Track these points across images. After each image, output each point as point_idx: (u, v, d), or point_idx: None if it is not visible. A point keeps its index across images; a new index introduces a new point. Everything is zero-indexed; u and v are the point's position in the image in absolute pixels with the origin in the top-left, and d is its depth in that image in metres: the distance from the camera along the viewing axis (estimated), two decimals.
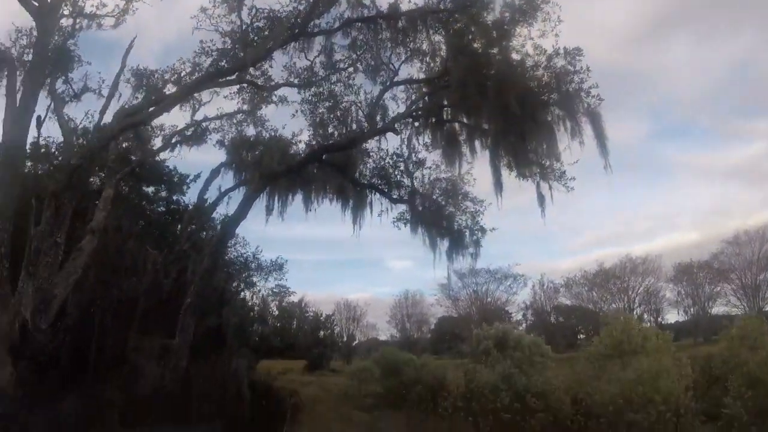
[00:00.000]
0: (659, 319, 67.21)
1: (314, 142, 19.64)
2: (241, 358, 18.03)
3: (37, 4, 13.70)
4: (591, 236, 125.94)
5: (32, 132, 12.75)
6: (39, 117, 12.84)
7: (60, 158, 16.81)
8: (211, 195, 21.97)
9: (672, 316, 71.64)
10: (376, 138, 18.83)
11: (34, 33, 15.17)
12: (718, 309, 67.81)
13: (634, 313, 61.70)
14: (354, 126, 19.11)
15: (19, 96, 12.16)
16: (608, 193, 58.40)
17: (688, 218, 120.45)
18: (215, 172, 21.74)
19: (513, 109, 14.78)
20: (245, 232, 19.22)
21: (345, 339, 67.44)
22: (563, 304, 69.11)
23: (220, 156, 21.86)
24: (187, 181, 24.48)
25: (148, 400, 12.41)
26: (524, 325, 71.99)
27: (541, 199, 17.03)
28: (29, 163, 16.61)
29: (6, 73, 13.77)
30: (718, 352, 15.22)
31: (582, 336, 71.82)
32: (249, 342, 24.90)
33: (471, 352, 27.93)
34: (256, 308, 28.18)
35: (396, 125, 18.14)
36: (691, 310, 67.95)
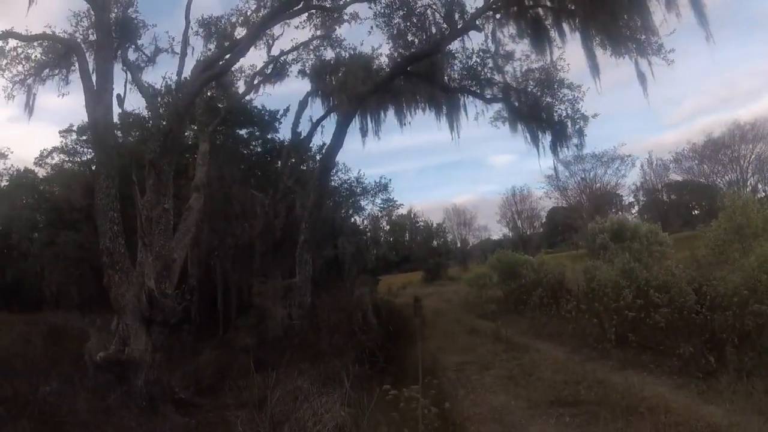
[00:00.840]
0: None
1: (396, 55, 18.83)
2: (362, 286, 18.39)
3: None
4: (693, 104, 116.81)
5: (116, 109, 12.91)
6: (119, 95, 13.00)
7: (150, 124, 17.25)
8: (303, 127, 22.11)
9: None
10: (459, 39, 17.78)
11: (92, 13, 15.29)
12: None
13: (748, 183, 57.93)
14: (434, 30, 18.00)
15: (94, 78, 12.34)
16: (706, 54, 53.39)
17: None
18: (303, 104, 21.73)
19: None
20: (344, 155, 19.51)
21: (458, 245, 68.41)
22: (674, 180, 65.87)
23: (304, 85, 21.75)
24: (278, 117, 24.74)
25: (279, 340, 12.92)
26: (636, 207, 70.00)
27: (641, 77, 15.49)
28: (121, 135, 17.13)
29: (76, 58, 14.00)
30: None
31: (696, 212, 69.25)
32: (367, 266, 25.42)
33: (588, 247, 27.31)
34: (368, 231, 28.46)
35: (477, 21, 16.94)
36: None
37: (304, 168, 23.67)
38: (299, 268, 16.07)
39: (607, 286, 14.06)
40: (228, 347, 13.72)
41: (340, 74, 20.47)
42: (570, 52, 17.28)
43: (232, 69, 19.08)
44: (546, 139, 18.85)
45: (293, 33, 21.13)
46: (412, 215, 66.12)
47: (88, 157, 27.47)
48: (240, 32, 18.47)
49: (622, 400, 8.30)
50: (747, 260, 11.33)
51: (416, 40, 18.30)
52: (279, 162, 23.13)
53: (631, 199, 69.27)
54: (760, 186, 59.75)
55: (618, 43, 15.22)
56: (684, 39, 14.62)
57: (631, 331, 12.03)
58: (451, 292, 35.27)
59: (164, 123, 13.93)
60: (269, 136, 24.96)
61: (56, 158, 31.23)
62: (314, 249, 17.22)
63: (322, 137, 22.90)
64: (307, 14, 18.60)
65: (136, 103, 19.04)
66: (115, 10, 15.54)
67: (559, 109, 18.77)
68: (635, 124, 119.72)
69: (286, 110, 24.40)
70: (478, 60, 18.64)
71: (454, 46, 18.31)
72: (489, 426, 8.14)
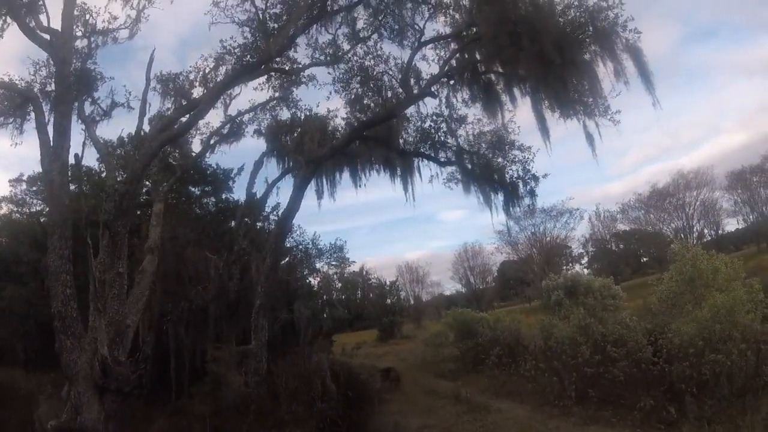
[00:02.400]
0: (719, 231, 66.16)
1: (352, 119, 19.13)
2: (319, 350, 18.06)
3: (48, 37, 13.50)
4: (637, 154, 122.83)
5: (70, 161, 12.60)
6: (77, 154, 12.77)
7: (104, 181, 16.85)
8: (258, 187, 21.99)
9: (731, 226, 70.31)
10: (414, 104, 18.25)
11: (51, 63, 15.09)
12: None
13: (695, 229, 60.74)
14: (389, 94, 18.55)
15: (50, 129, 12.09)
16: (648, 107, 56.17)
17: (732, 120, 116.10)
18: (258, 164, 21.70)
19: (550, 55, 13.97)
20: (298, 213, 19.49)
21: (412, 302, 68.31)
22: (622, 230, 68.54)
23: (257, 144, 21.81)
24: (232, 176, 24.60)
25: (236, 408, 12.48)
26: (586, 258, 71.98)
27: (590, 138, 15.95)
28: (73, 190, 16.70)
29: (32, 109, 13.72)
30: None
31: (645, 259, 71.80)
32: (322, 328, 25.04)
33: (542, 303, 27.64)
34: (322, 292, 28.20)
35: (432, 88, 17.49)
36: (750, 216, 66.66)
37: (259, 227, 23.45)
38: (255, 333, 15.69)
39: (564, 343, 14.37)
40: (182, 415, 13.16)
41: (295, 134, 20.64)
42: (519, 113, 17.79)
43: None
44: (498, 199, 19.12)
45: (250, 93, 21.43)
46: (365, 272, 66.06)
47: (38, 208, 26.59)
48: (198, 91, 18.52)
49: None
50: (700, 311, 11.67)
51: (372, 104, 18.76)
52: (233, 222, 22.90)
53: (581, 250, 71.17)
54: (705, 231, 62.47)
55: (566, 106, 15.77)
56: (626, 93, 15.35)
57: (590, 386, 12.26)
58: (406, 351, 34.96)
59: (119, 183, 13.66)
60: (223, 196, 24.80)
61: (4, 208, 29.83)
62: (269, 313, 16.88)
63: (278, 197, 22.85)
64: (266, 77, 18.79)
65: (89, 156, 18.78)
66: (74, 62, 15.32)
67: (510, 170, 19.17)
68: (581, 176, 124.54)
69: (240, 169, 24.39)
70: (432, 124, 19.09)
71: (410, 110, 18.80)
72: None
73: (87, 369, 9.53)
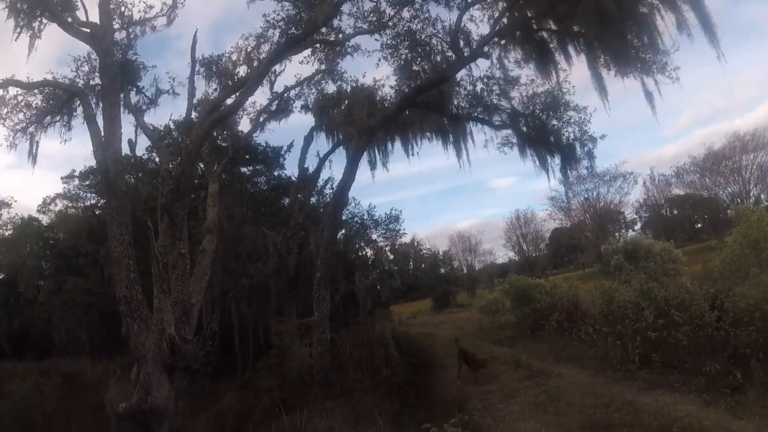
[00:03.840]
0: None
1: (403, 86, 18.89)
2: (381, 320, 18.16)
3: (88, 30, 13.72)
4: (692, 115, 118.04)
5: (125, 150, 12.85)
6: (130, 140, 12.94)
7: (159, 167, 17.18)
8: (309, 162, 22.11)
9: None
10: (466, 67, 17.82)
11: (92, 57, 15.31)
12: None
13: (751, 194, 58.16)
14: (439, 58, 18.15)
15: (99, 121, 12.31)
16: (702, 65, 53.97)
17: None
18: (309, 139, 21.77)
19: (608, 8, 13.33)
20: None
21: (465, 271, 68.23)
22: (676, 195, 66.26)
23: (304, 119, 21.85)
24: (282, 153, 24.76)
25: (301, 379, 12.68)
26: (639, 224, 70.19)
27: (649, 96, 15.40)
28: (131, 180, 17.09)
29: (78, 104, 13.95)
30: None
31: (699, 225, 69.59)
32: (381, 299, 25.22)
33: (601, 268, 27.15)
34: (386, 266, 28.31)
35: (483, 49, 16.99)
36: None
37: (314, 202, 23.64)
38: (317, 305, 15.85)
39: (626, 308, 13.98)
40: (249, 389, 13.47)
41: (343, 107, 20.60)
42: (573, 72, 17.28)
43: None
44: (555, 162, 18.77)
45: (295, 68, 21.27)
46: (416, 243, 66.19)
47: (92, 202, 27.48)
48: (242, 70, 18.58)
49: (654, 421, 8.34)
50: (766, 275, 11.23)
51: (422, 69, 18.43)
52: (287, 198, 23.11)
53: (634, 215, 69.49)
54: (762, 196, 60.00)
55: (624, 62, 15.18)
56: (681, 49, 14.64)
57: (653, 351, 11.97)
58: (462, 320, 34.93)
59: (174, 166, 13.88)
60: (275, 173, 25.06)
61: (59, 204, 31.27)
62: (330, 285, 17.02)
63: (330, 171, 22.94)
64: (311, 49, 18.68)
65: (140, 145, 19.13)
66: (115, 53, 15.54)
67: (566, 131, 18.75)
68: (634, 139, 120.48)
69: (290, 146, 24.56)
70: (485, 87, 18.73)
71: (461, 74, 18.36)
72: None
73: (155, 349, 9.79)
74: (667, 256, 22.00)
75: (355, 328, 15.77)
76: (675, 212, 69.02)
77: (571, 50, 16.04)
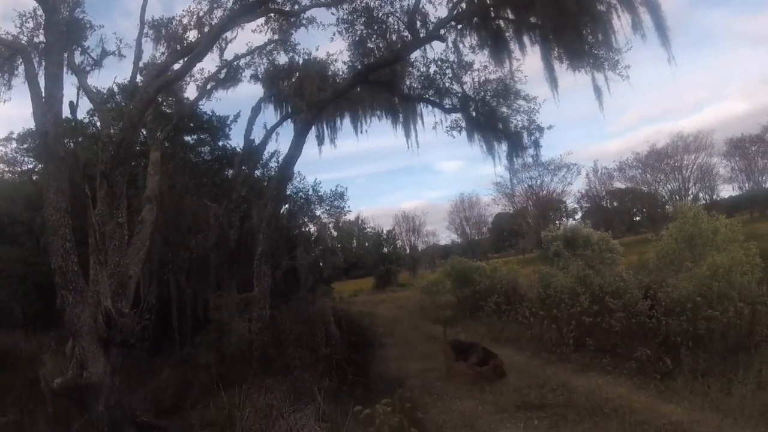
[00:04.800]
0: (714, 196, 67.05)
1: (356, 62, 18.58)
2: (321, 296, 18.13)
3: None
4: (639, 113, 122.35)
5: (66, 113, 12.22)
6: (72, 102, 12.28)
7: (99, 131, 16.56)
8: (256, 134, 21.67)
9: (726, 192, 71.11)
10: (420, 48, 17.67)
11: (39, 13, 14.53)
12: None
13: (690, 192, 61.45)
14: (395, 37, 17.91)
15: (41, 81, 11.70)
16: (652, 66, 55.95)
17: (736, 87, 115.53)
18: (256, 110, 21.29)
19: (566, 3, 13.49)
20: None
21: (408, 251, 68.79)
22: (618, 188, 68.92)
23: (252, 89, 21.38)
24: (228, 123, 24.11)
25: (240, 355, 12.55)
26: (579, 213, 72.58)
27: (598, 91, 15.70)
28: (71, 145, 16.38)
29: (20, 62, 13.24)
30: None
31: (638, 218, 72.90)
32: (323, 275, 25.13)
33: (541, 254, 27.93)
34: (329, 243, 28.15)
35: (440, 31, 16.84)
36: (746, 185, 67.47)
37: (258, 175, 23.24)
38: (257, 280, 15.63)
39: (563, 293, 14.56)
40: (187, 364, 13.20)
41: (294, 79, 20.20)
42: (526, 62, 17.41)
43: None
44: (502, 148, 18.87)
45: (247, 36, 20.68)
46: (360, 221, 66.36)
47: (30, 166, 26.23)
48: (192, 35, 17.86)
49: (586, 401, 8.69)
50: (699, 269, 11.79)
51: (377, 47, 18.17)
52: (231, 170, 22.64)
53: (575, 205, 71.76)
54: (700, 194, 63.36)
55: (577, 57, 15.41)
56: (632, 49, 15.03)
57: (588, 335, 12.50)
58: (403, 299, 35.48)
59: (115, 131, 13.36)
60: (220, 143, 24.35)
61: None
62: (271, 260, 16.82)
63: (277, 144, 22.50)
64: (264, 18, 18.18)
65: (81, 108, 18.24)
66: (62, 11, 14.76)
67: (515, 119, 18.88)
68: (580, 132, 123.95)
69: (237, 116, 23.86)
70: (438, 69, 18.58)
71: (415, 55, 18.25)
72: None
73: (91, 323, 9.41)
74: (604, 246, 22.89)
75: (296, 305, 15.72)
76: (615, 204, 71.83)
77: (526, 40, 16.15)
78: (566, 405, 8.72)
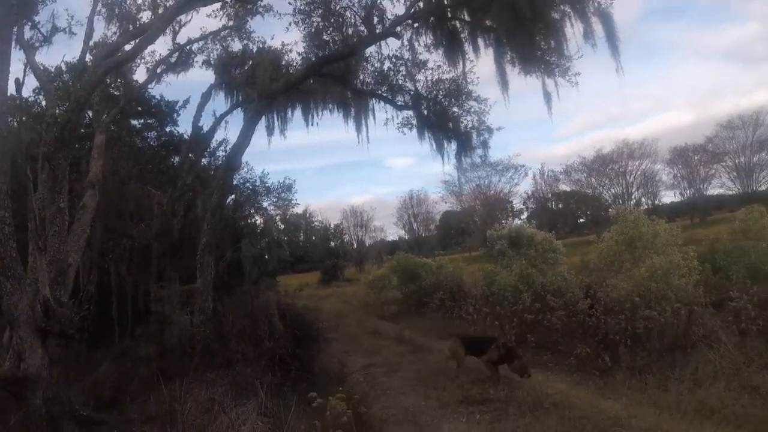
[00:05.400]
0: (656, 201, 70.58)
1: (310, 54, 18.42)
2: (266, 290, 17.90)
3: None
4: (586, 119, 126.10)
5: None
6: (17, 80, 11.78)
7: (45, 111, 15.87)
8: (205, 121, 21.01)
9: (668, 198, 74.73)
10: (376, 44, 17.80)
11: None
12: (712, 190, 71.70)
13: (633, 196, 64.38)
14: (351, 32, 17.90)
15: None
16: (602, 74, 57.86)
17: (682, 99, 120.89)
18: (206, 96, 20.63)
19: (522, 8, 13.75)
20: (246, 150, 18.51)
21: (355, 246, 68.82)
22: (563, 190, 71.08)
23: (204, 75, 20.82)
24: (177, 108, 23.39)
25: (181, 348, 12.26)
26: (525, 214, 74.37)
27: (547, 96, 16.22)
28: (14, 124, 15.65)
29: None
30: (720, 245, 15.53)
31: (582, 220, 75.48)
32: (268, 268, 24.83)
33: (486, 252, 28.41)
34: (269, 232, 27.79)
35: (396, 28, 16.98)
36: (687, 191, 71.01)
37: (205, 163, 22.69)
38: (200, 271, 15.31)
39: (506, 291, 14.88)
40: (127, 357, 12.75)
41: (246, 67, 19.79)
42: (479, 64, 17.57)
43: None
44: (451, 147, 19.17)
45: (202, 20, 20.10)
46: (308, 214, 65.97)
47: None
48: (146, 16, 17.36)
49: (527, 396, 8.93)
50: (638, 271, 12.18)
51: (332, 40, 18.10)
52: (177, 157, 22.02)
53: (522, 205, 73.43)
54: (643, 199, 66.28)
55: (529, 62, 15.77)
56: (583, 57, 15.51)
57: (529, 332, 12.85)
58: (349, 294, 35.50)
59: (61, 112, 12.84)
60: (167, 129, 23.54)
61: None
62: (215, 251, 16.52)
63: (225, 132, 22.07)
64: (220, 3, 17.83)
65: (27, 86, 17.36)
66: None
67: (465, 119, 19.15)
68: (529, 134, 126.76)
69: (186, 101, 23.07)
70: (392, 66, 18.71)
71: (370, 50, 18.29)
72: (405, 427, 8.30)
73: (29, 312, 9.00)
74: (547, 246, 23.48)
75: (240, 298, 15.46)
76: (560, 206, 73.93)
77: (481, 43, 16.37)
78: (508, 400, 8.90)
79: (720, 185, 71.50)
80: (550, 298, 12.78)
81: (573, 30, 15.01)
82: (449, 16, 16.60)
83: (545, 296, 13.12)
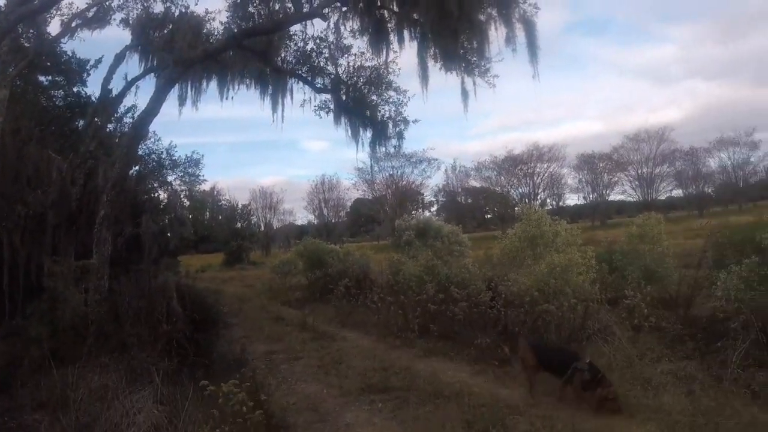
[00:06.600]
0: (560, 203, 75.48)
1: (233, 25, 17.85)
2: (165, 269, 17.17)
3: None
4: (501, 120, 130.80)
5: None
6: None
7: None
8: (115, 84, 19.79)
9: (572, 200, 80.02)
10: (302, 23, 17.53)
11: None
12: (614, 196, 78.05)
13: (539, 196, 68.14)
14: (277, 7, 17.50)
15: None
16: (520, 79, 60.40)
17: (594, 110, 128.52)
18: (120, 57, 19.28)
19: (450, 6, 13.98)
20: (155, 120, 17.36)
21: (262, 228, 67.65)
22: (473, 186, 73.49)
23: (123, 36, 19.60)
24: (87, 67, 21.89)
25: (74, 329, 11.55)
26: (435, 206, 76.24)
27: (465, 94, 16.62)
28: None
29: None
30: (618, 247, 16.39)
31: (489, 216, 78.69)
32: (169, 247, 23.84)
33: (393, 242, 28.72)
34: (179, 212, 26.73)
35: (324, 10, 16.73)
36: (590, 196, 76.42)
37: (111, 130, 21.40)
38: (97, 246, 14.34)
39: (411, 280, 15.18)
40: (17, 337, 11.80)
41: (166, 31, 18.89)
42: (402, 55, 17.78)
43: None
44: (366, 135, 19.31)
45: None
46: (216, 192, 64.25)
47: None
48: None
49: (428, 385, 9.11)
50: (538, 267, 12.63)
51: (257, 13, 17.67)
52: (82, 121, 20.56)
53: (432, 198, 75.15)
54: (548, 200, 70.31)
55: (451, 59, 16.06)
56: (503, 61, 15.97)
57: (432, 322, 13.13)
58: (253, 278, 34.89)
59: None
60: (75, 89, 21.97)
61: None
62: (114, 226, 15.65)
63: (136, 98, 20.80)
64: None
65: None
66: None
67: (383, 109, 19.29)
68: (445, 130, 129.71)
69: (99, 61, 21.31)
70: (315, 47, 18.57)
71: (294, 28, 18.09)
72: (306, 415, 8.24)
73: None
74: (454, 238, 24.03)
75: (138, 277, 14.71)
76: (470, 201, 76.46)
77: (406, 35, 16.45)
78: (409, 388, 9.03)
79: (622, 192, 78.34)
80: (453, 290, 13.18)
81: (497, 33, 15.42)
82: (378, 4, 16.52)
83: (449, 287, 13.51)
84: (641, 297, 10.97)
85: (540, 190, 71.21)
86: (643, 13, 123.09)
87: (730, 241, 13.16)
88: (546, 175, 70.93)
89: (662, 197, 79.55)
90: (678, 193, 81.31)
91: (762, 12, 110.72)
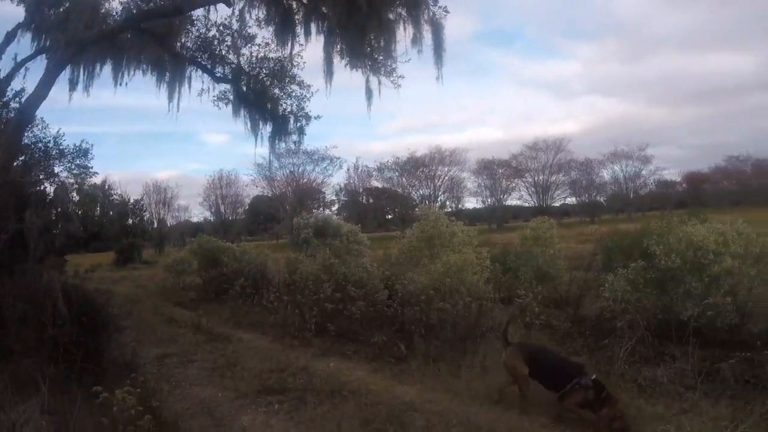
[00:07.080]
0: (459, 205, 78.82)
1: (133, 5, 16.82)
2: (51, 268, 16.09)
3: None
4: (406, 122, 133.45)
5: None
6: None
7: None
8: (4, 65, 17.81)
9: (471, 204, 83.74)
10: (204, 8, 16.85)
11: None
12: (511, 201, 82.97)
13: (439, 199, 70.60)
14: None
15: None
16: (426, 82, 61.65)
17: (497, 117, 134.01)
18: (11, 36, 17.43)
19: (359, 3, 13.97)
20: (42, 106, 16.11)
21: (156, 225, 65.08)
22: (375, 186, 74.63)
23: (16, 13, 17.92)
24: None
25: None
26: (336, 205, 76.61)
27: (369, 93, 16.73)
28: None
29: None
30: (512, 249, 17.10)
31: (390, 216, 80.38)
32: (55, 244, 22.33)
33: (291, 240, 28.51)
34: (68, 207, 25.00)
35: None
36: (489, 200, 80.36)
37: None
38: None
39: (308, 279, 15.04)
40: None
41: (62, 9, 17.36)
42: (308, 49, 17.45)
43: None
44: (266, 129, 18.93)
45: None
46: (107, 187, 61.17)
47: None
48: None
49: (325, 384, 9.11)
50: (434, 266, 12.89)
51: None
52: None
53: (333, 197, 75.39)
54: (448, 202, 73.10)
55: (358, 56, 16.08)
56: (410, 62, 16.16)
57: (330, 321, 13.08)
58: (146, 278, 33.50)
59: None
60: None
61: None
62: None
63: (24, 81, 19.22)
64: None
65: None
66: None
67: (285, 103, 18.93)
68: (348, 129, 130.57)
69: None
70: (218, 35, 17.93)
71: (197, 13, 17.35)
72: (200, 420, 7.99)
73: None
74: (353, 237, 24.18)
75: (22, 278, 13.77)
76: (371, 201, 77.34)
77: (313, 28, 16.33)
78: (306, 389, 8.98)
79: (519, 198, 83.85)
80: (351, 289, 13.24)
81: (405, 33, 15.52)
82: None
83: (347, 286, 13.55)
84: (533, 296, 11.66)
85: (440, 193, 74.01)
86: (552, 28, 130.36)
87: (619, 246, 13.86)
88: (447, 178, 73.94)
89: (557, 204, 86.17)
90: (572, 200, 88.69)
91: (659, 38, 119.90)
